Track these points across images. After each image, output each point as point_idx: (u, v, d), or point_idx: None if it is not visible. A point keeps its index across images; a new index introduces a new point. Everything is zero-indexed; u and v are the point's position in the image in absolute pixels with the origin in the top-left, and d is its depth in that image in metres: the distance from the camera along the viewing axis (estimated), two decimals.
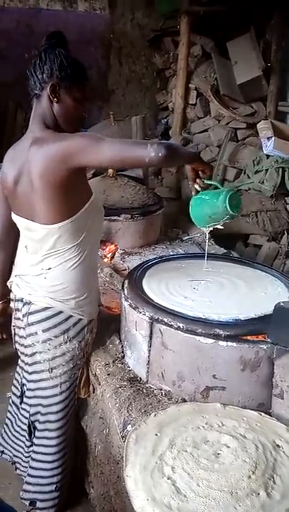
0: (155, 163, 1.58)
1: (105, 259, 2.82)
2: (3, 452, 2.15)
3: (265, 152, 4.13)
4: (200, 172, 1.75)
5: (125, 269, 2.74)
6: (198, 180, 1.75)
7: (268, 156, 4.12)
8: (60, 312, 1.81)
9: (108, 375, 1.85)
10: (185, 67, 4.74)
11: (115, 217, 2.96)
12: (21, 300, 1.88)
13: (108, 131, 4.21)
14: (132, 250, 2.99)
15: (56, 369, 1.86)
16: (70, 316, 1.83)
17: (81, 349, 1.89)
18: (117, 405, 1.69)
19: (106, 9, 5.06)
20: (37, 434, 1.92)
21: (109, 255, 2.86)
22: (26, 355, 1.90)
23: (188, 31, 4.62)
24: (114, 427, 1.68)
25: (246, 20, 4.58)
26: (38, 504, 1.92)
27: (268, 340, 1.61)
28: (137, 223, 3.02)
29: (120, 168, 2.09)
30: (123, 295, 1.92)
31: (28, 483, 1.94)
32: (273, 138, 4.05)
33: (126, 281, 1.99)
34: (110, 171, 3.11)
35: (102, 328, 2.04)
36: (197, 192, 1.78)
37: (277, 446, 1.44)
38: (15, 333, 2.00)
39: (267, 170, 4.03)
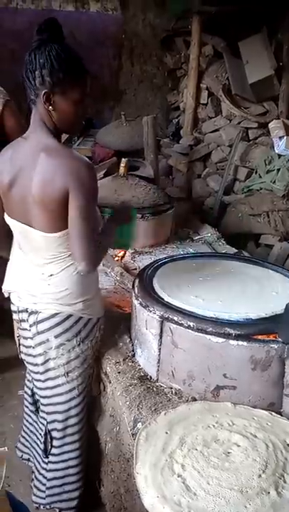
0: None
1: (116, 259, 2.83)
2: (28, 460, 2.14)
3: (276, 151, 4.11)
4: None
5: (136, 269, 2.74)
6: None
7: (279, 156, 4.10)
8: (70, 316, 1.79)
9: (118, 373, 1.86)
10: (196, 66, 4.73)
11: None
12: (26, 310, 1.83)
13: (119, 132, 4.23)
14: (143, 250, 2.99)
15: (72, 372, 1.84)
16: (80, 318, 1.81)
17: (92, 347, 1.89)
18: (128, 403, 1.70)
19: (118, 10, 5.07)
20: (55, 443, 1.90)
21: (119, 254, 2.87)
22: (37, 364, 1.86)
23: (199, 31, 4.62)
24: (125, 425, 1.68)
25: (258, 19, 4.56)
26: (62, 505, 1.93)
27: (279, 339, 1.61)
28: (148, 223, 3.01)
29: None
30: (133, 294, 1.93)
31: (49, 488, 1.93)
32: (285, 137, 4.03)
33: (136, 280, 2.00)
34: (122, 170, 3.11)
35: (113, 326, 2.04)
36: None
37: (288, 445, 1.43)
38: (20, 344, 1.96)
39: (278, 169, 4.01)
